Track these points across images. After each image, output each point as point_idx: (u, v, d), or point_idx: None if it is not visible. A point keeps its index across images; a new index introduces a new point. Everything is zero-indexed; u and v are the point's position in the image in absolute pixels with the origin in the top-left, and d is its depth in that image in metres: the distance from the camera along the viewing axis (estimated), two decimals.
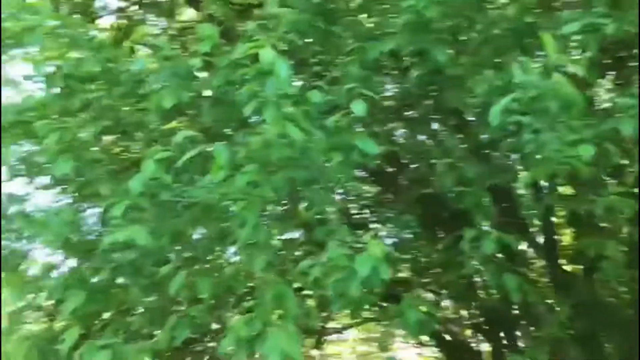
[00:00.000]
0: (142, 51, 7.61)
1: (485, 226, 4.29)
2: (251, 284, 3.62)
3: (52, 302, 4.11)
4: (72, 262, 4.48)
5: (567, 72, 2.29)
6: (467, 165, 3.49)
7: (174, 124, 2.77)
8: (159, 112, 3.33)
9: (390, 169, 5.56)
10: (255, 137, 2.81)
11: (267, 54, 2.50)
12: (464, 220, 5.15)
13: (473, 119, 4.28)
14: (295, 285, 3.30)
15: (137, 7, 7.91)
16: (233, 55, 2.76)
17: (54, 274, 3.94)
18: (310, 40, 3.52)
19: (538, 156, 2.68)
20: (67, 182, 3.53)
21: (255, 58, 2.85)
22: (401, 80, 4.54)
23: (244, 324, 2.98)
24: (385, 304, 4.69)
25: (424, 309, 3.45)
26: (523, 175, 2.85)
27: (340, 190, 3.41)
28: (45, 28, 3.11)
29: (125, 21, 7.92)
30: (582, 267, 6.01)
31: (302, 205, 4.03)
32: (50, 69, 3.21)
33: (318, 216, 3.47)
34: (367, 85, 3.14)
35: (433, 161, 4.47)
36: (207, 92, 3.47)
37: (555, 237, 6.02)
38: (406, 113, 4.81)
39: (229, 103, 3.37)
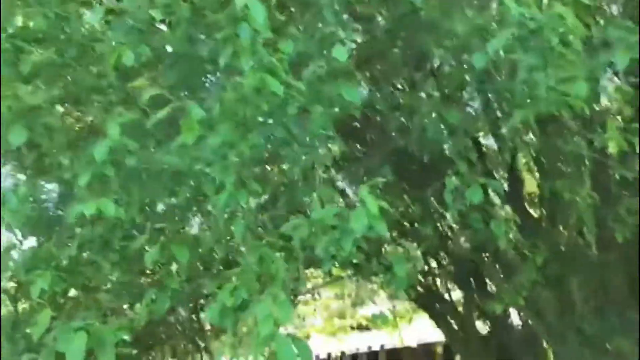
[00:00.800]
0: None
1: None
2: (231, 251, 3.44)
3: (14, 284, 3.86)
4: (32, 241, 4.22)
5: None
6: (451, 112, 3.34)
7: (139, 81, 2.52)
8: (118, 71, 3.05)
9: (358, 125, 5.41)
10: (228, 92, 2.58)
11: None
12: (434, 173, 5.09)
13: (447, 63, 4.13)
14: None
15: None
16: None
17: (14, 254, 3.69)
18: None
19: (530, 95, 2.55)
20: (22, 154, 3.24)
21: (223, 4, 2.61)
22: (368, 27, 4.35)
23: (229, 292, 2.81)
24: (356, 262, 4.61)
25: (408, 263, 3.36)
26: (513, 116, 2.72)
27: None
28: None
29: None
30: (546, 212, 6.09)
31: (278, 165, 3.86)
32: None
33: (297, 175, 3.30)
34: (343, 29, 2.94)
35: (407, 111, 4.34)
36: (169, 48, 3.21)
37: (521, 183, 6.06)
38: (374, 64, 4.63)
39: (193, 57, 3.12)
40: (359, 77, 4.28)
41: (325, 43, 3.02)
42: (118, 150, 2.85)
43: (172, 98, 2.59)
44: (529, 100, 2.72)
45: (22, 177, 3.97)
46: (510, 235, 5.11)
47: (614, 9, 4.48)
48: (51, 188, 3.99)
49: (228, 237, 3.33)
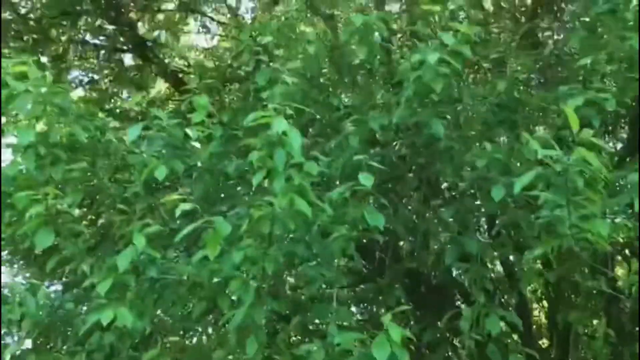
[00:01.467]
0: (113, 124, 7.50)
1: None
2: None
3: None
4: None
5: (589, 146, 2.25)
6: (469, 240, 3.38)
7: (172, 197, 2.61)
8: (147, 183, 3.15)
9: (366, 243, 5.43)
10: (257, 210, 2.64)
11: (280, 123, 2.39)
12: (445, 298, 5.03)
13: (462, 192, 4.22)
14: None
15: (109, 79, 7.87)
16: (246, 121, 2.62)
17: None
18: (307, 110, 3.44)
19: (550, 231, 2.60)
20: (43, 257, 3.26)
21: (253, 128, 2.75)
22: (387, 153, 4.50)
23: None
24: None
25: None
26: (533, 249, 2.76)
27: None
28: (33, 95, 2.93)
29: (95, 94, 7.88)
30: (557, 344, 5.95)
31: (293, 282, 3.85)
32: (32, 137, 3.00)
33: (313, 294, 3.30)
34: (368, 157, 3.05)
35: (422, 235, 4.38)
36: (199, 163, 3.33)
37: (529, 312, 5.97)
38: (390, 186, 4.74)
39: (222, 173, 3.23)
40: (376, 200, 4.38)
41: (349, 167, 3.13)
42: (140, 260, 2.87)
43: (201, 213, 2.65)
44: (547, 235, 2.77)
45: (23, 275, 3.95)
46: None
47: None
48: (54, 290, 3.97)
49: (239, 354, 3.26)
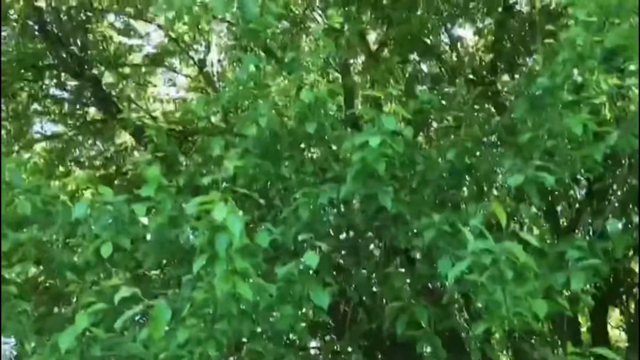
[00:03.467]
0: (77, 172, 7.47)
1: None
2: None
3: None
4: None
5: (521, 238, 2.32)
6: (419, 308, 3.41)
7: (115, 280, 2.60)
8: (94, 258, 3.13)
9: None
10: (200, 293, 2.64)
11: (220, 211, 2.42)
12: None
13: (414, 258, 4.25)
14: None
15: (73, 131, 7.83)
16: (188, 208, 2.65)
17: None
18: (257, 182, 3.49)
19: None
20: None
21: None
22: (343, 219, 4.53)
23: None
24: None
25: None
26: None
27: None
28: None
29: (60, 145, 7.84)
30: None
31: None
32: None
33: None
34: (316, 231, 3.09)
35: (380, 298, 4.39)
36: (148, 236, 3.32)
37: None
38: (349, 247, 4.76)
39: (170, 248, 3.22)
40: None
41: (299, 244, 3.16)
42: (84, 339, 2.83)
43: (144, 296, 2.63)
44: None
45: None
46: None
47: None
48: None
49: None
